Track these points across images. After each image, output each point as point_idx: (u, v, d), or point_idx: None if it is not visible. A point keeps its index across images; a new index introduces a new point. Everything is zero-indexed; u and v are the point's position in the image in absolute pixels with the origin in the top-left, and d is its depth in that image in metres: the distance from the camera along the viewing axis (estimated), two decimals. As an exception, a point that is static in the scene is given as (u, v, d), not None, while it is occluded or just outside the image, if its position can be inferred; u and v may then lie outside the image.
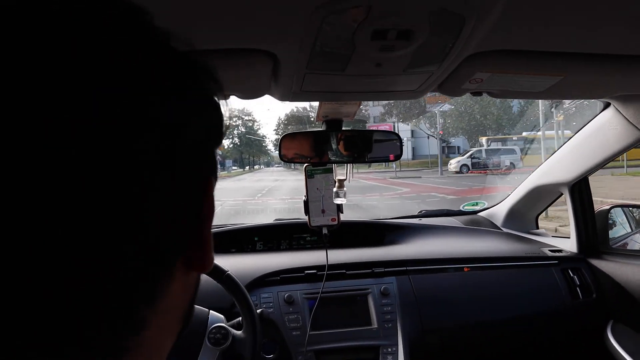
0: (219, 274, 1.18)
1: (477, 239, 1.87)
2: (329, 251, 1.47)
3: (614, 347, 1.51)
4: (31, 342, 0.22)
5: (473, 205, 2.31)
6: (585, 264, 1.68)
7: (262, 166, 61.85)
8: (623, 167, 15.93)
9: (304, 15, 0.63)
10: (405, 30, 0.69)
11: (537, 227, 2.08)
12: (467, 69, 0.88)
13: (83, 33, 0.24)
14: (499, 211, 2.10)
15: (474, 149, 24.66)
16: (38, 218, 0.21)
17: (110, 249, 0.23)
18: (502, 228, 2.05)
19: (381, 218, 2.03)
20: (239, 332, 1.21)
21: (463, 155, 23.94)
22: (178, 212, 0.28)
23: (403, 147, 1.37)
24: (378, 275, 1.51)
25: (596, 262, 1.67)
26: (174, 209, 0.27)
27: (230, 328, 1.20)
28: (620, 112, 1.33)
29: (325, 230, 1.45)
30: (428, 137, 31.13)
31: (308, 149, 1.30)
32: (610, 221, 1.82)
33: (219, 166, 0.35)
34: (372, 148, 1.33)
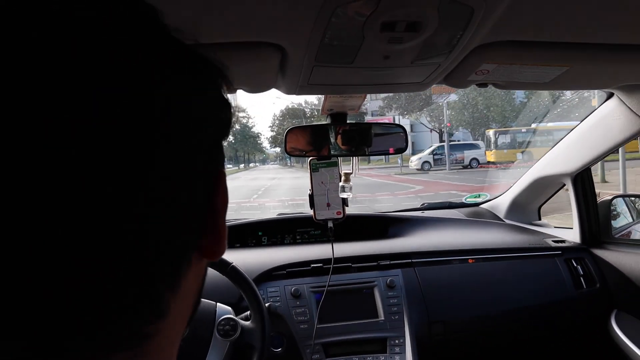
0: (224, 266, 1.19)
1: (481, 230, 1.88)
2: (334, 244, 1.47)
3: (618, 335, 1.52)
4: (65, 325, 0.23)
5: (475, 197, 2.32)
6: (589, 254, 1.69)
7: (257, 164, 61.34)
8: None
9: (314, 7, 0.63)
10: (414, 22, 0.69)
11: (540, 219, 2.09)
12: (474, 60, 0.88)
13: (89, 33, 0.24)
14: (501, 203, 2.11)
15: (436, 145, 23.67)
16: (57, 215, 0.22)
17: (134, 239, 0.24)
18: (504, 220, 2.06)
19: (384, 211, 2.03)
20: (247, 323, 1.22)
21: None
22: (197, 204, 0.29)
23: (409, 140, 1.37)
24: (384, 268, 1.52)
25: (599, 252, 1.68)
26: (193, 200, 0.28)
27: (238, 319, 1.21)
28: (623, 102, 1.33)
29: (330, 224, 1.46)
30: (431, 131, 30.70)
31: (313, 143, 1.30)
32: (613, 211, 1.83)
33: None
34: (376, 141, 1.34)
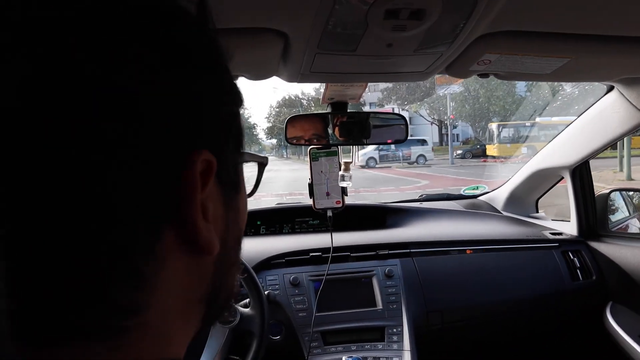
0: None
1: (479, 222, 1.89)
2: (333, 234, 1.48)
3: (612, 327, 1.54)
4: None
5: (474, 189, 2.33)
6: (585, 247, 1.71)
7: (253, 156, 60.57)
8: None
9: None
10: (418, 10, 0.69)
11: (537, 211, 2.10)
12: (476, 50, 0.89)
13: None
14: (499, 195, 2.12)
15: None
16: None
17: (76, 229, 0.24)
18: (502, 212, 2.07)
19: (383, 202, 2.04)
20: (247, 310, 1.23)
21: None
22: (147, 189, 0.27)
23: (408, 132, 1.37)
24: (382, 258, 1.53)
25: (596, 245, 1.69)
26: (139, 185, 0.26)
27: (238, 307, 1.22)
28: (623, 95, 1.33)
29: (329, 213, 1.46)
30: (431, 124, 30.35)
31: (313, 131, 1.30)
32: (610, 205, 1.84)
33: None
34: (376, 131, 1.34)
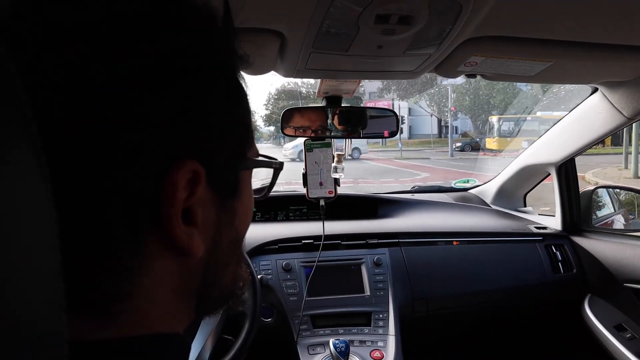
0: None
1: (467, 214, 1.95)
2: (325, 222, 1.54)
3: (590, 318, 1.61)
4: None
5: (464, 182, 2.38)
6: (568, 241, 1.77)
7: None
8: None
9: None
10: (406, 16, 0.74)
11: (525, 205, 2.16)
12: (463, 52, 0.94)
13: None
14: (488, 189, 2.18)
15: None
16: None
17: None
18: (491, 205, 2.13)
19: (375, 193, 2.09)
20: None
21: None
22: (128, 193, 0.29)
23: (400, 124, 1.42)
24: (372, 247, 1.59)
25: (578, 240, 1.76)
26: (122, 188, 0.29)
27: None
28: (606, 98, 1.39)
29: (322, 202, 1.52)
30: (431, 116, 30.15)
31: (308, 124, 1.35)
32: (597, 201, 1.90)
33: None
34: (369, 124, 1.39)
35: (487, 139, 21.49)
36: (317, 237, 1.54)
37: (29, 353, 0.19)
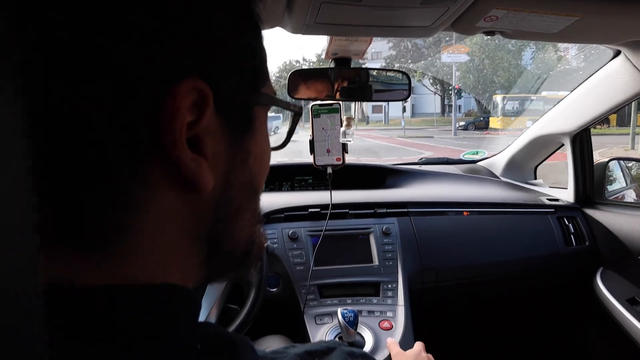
0: None
1: (477, 185, 1.91)
2: (332, 192, 1.50)
3: (602, 291, 1.58)
4: None
5: (473, 154, 2.34)
6: (581, 213, 1.73)
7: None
8: None
9: None
10: None
11: (535, 178, 2.11)
12: (484, 5, 0.88)
13: None
14: (498, 161, 2.13)
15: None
16: None
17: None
18: (500, 177, 2.08)
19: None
20: None
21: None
22: (127, 112, 0.27)
23: (411, 91, 1.37)
24: (380, 216, 1.55)
25: (591, 212, 1.71)
26: (119, 107, 0.26)
27: None
28: (629, 60, 1.33)
29: (329, 170, 1.47)
30: (435, 94, 29.93)
31: (316, 86, 1.30)
32: (609, 174, 1.85)
33: None
34: (379, 87, 1.33)
35: (491, 118, 21.31)
36: (324, 206, 1.50)
37: None
